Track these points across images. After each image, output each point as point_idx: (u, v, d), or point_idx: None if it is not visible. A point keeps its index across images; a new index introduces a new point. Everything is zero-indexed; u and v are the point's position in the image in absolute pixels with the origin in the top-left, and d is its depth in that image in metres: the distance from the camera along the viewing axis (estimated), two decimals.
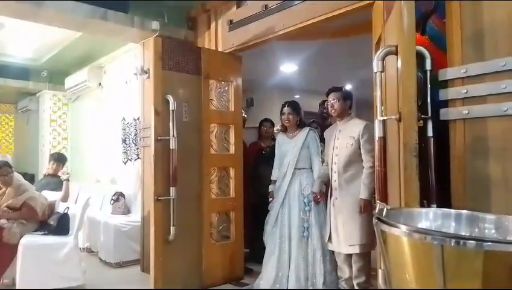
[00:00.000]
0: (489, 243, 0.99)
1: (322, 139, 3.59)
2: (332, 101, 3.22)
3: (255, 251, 4.20)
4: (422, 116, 1.97)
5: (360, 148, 3.06)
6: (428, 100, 2.00)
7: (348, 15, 2.90)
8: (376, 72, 1.88)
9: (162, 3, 4.09)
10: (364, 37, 3.06)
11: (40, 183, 4.93)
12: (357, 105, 7.50)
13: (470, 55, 1.96)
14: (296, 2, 3.19)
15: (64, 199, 4.60)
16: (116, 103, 5.85)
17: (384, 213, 1.33)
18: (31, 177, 6.78)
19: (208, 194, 3.69)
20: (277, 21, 3.35)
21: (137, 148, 5.14)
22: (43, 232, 3.77)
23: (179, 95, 3.46)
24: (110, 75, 6.09)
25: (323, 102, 4.43)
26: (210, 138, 3.74)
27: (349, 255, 3.10)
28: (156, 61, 3.38)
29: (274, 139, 4.29)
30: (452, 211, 1.50)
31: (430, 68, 2.01)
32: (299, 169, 3.58)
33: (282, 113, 3.71)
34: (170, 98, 3.34)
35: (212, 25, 4.10)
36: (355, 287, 3.08)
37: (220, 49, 3.97)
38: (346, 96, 3.25)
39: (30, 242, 3.54)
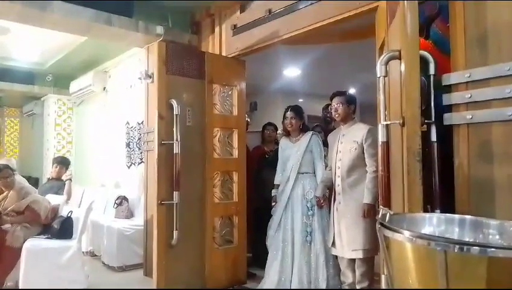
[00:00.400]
0: (493, 249, 0.98)
1: (326, 144, 3.58)
2: (336, 106, 3.22)
3: (258, 255, 4.19)
4: (426, 121, 1.96)
5: (363, 152, 3.05)
6: (432, 105, 1.99)
7: (351, 19, 2.90)
8: (379, 77, 1.88)
9: (166, 7, 4.11)
10: (368, 41, 3.06)
11: (43, 187, 4.95)
12: (360, 109, 7.49)
13: (474, 60, 1.95)
14: (300, 7, 3.19)
15: (67, 197, 4.65)
16: (120, 107, 5.87)
17: (387, 218, 1.33)
18: (35, 181, 6.83)
19: (211, 199, 3.69)
20: (281, 25, 3.36)
21: (141, 152, 5.15)
22: (46, 236, 3.78)
23: (182, 100, 3.47)
24: (115, 79, 6.12)
25: (327, 106, 4.44)
26: (213, 142, 3.74)
27: (353, 260, 3.09)
28: (160, 66, 3.40)
29: (277, 143, 4.29)
30: (456, 216, 1.49)
31: (433, 73, 2.00)
32: (302, 173, 3.57)
33: (285, 118, 3.71)
34: (174, 103, 3.35)
35: (216, 30, 4.12)
36: None
37: (223, 54, 3.98)
38: (350, 101, 3.24)
39: (33, 246, 3.54)
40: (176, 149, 3.32)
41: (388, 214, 1.35)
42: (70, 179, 4.96)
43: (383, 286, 1.84)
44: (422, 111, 1.82)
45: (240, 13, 3.85)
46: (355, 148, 3.07)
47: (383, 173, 1.91)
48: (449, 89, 2.02)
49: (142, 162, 5.08)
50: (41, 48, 5.78)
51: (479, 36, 1.94)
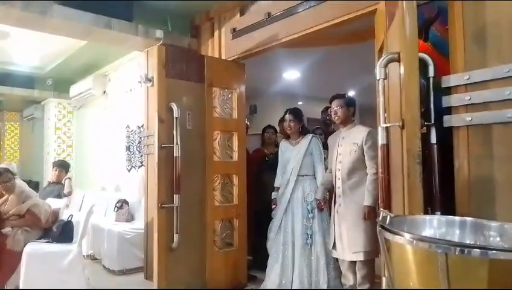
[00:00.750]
0: (494, 252, 0.98)
1: (326, 146, 3.59)
2: (335, 108, 3.22)
3: (258, 258, 4.18)
4: (426, 123, 1.97)
5: (363, 154, 3.05)
6: (432, 107, 2.00)
7: (350, 22, 2.91)
8: (379, 79, 1.88)
9: (166, 11, 4.12)
10: (367, 43, 3.07)
11: (44, 191, 4.96)
12: (360, 111, 7.51)
13: (473, 62, 1.96)
14: (299, 10, 3.20)
15: (69, 193, 4.68)
16: (120, 111, 5.88)
17: (387, 221, 1.33)
18: (35, 185, 6.83)
19: (211, 202, 3.69)
20: (280, 29, 3.37)
21: (141, 156, 5.15)
22: (47, 240, 3.77)
23: (182, 103, 3.47)
24: (115, 83, 6.13)
25: (326, 109, 4.44)
26: (213, 145, 3.75)
27: (353, 263, 3.08)
28: (160, 70, 3.40)
29: (277, 146, 4.29)
30: (456, 218, 1.49)
31: (433, 75, 2.01)
32: (302, 176, 3.58)
33: (283, 121, 3.72)
34: (174, 106, 3.36)
35: (216, 33, 4.12)
36: None
37: (223, 57, 3.99)
38: (349, 103, 3.25)
39: (34, 250, 3.54)
40: (176, 152, 3.32)
41: (388, 216, 1.35)
42: (70, 178, 4.99)
43: (384, 288, 1.84)
44: (422, 113, 1.83)
45: (240, 17, 3.86)
46: (355, 151, 3.07)
47: (383, 175, 1.91)
48: (448, 91, 2.02)
49: (142, 165, 5.08)
50: (41, 52, 5.79)
51: (478, 38, 1.94)
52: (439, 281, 1.03)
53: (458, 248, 1.01)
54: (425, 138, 1.92)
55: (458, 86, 1.98)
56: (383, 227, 1.24)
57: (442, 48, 2.19)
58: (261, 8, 3.61)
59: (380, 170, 1.95)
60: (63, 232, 3.77)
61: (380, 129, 1.91)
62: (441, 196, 1.96)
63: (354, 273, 3.10)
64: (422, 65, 1.95)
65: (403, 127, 1.77)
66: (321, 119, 4.93)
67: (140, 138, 5.14)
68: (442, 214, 1.88)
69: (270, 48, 3.56)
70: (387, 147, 1.90)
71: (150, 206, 4.17)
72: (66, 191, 4.88)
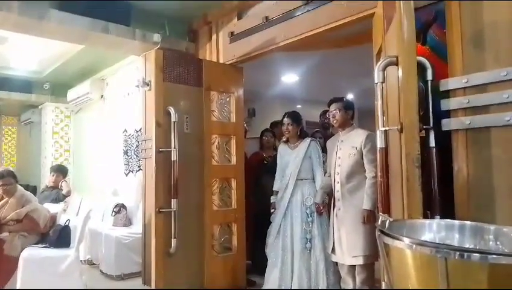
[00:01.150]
0: (494, 256, 0.97)
1: (325, 150, 3.58)
2: (334, 112, 3.22)
3: (257, 262, 4.17)
4: (424, 126, 1.96)
5: (362, 158, 3.04)
6: (430, 110, 1.99)
7: (348, 26, 2.91)
8: (377, 83, 1.88)
9: (163, 15, 4.12)
10: (365, 46, 3.06)
11: (41, 196, 4.94)
12: (359, 114, 7.52)
13: (471, 65, 1.96)
14: (297, 14, 3.20)
15: (68, 193, 4.67)
16: (117, 115, 5.86)
17: (387, 225, 1.32)
18: (33, 189, 6.78)
19: (210, 206, 3.67)
20: (278, 32, 3.37)
21: (139, 160, 5.14)
22: (44, 245, 3.75)
23: (180, 107, 3.47)
24: (112, 87, 6.12)
25: (324, 112, 4.43)
26: (211, 149, 3.74)
27: (353, 267, 3.07)
28: (157, 74, 3.39)
29: (275, 149, 4.28)
30: (456, 222, 1.48)
31: (431, 78, 2.01)
32: (301, 180, 3.57)
33: (282, 124, 3.71)
34: (171, 110, 3.35)
35: (213, 37, 4.12)
36: None
37: (221, 61, 3.99)
38: (348, 107, 3.25)
39: (31, 255, 3.52)
40: (174, 156, 3.31)
41: (388, 221, 1.34)
42: (66, 181, 4.98)
43: None
44: (421, 117, 1.82)
45: (237, 20, 3.86)
46: (354, 154, 3.06)
47: (382, 179, 1.91)
48: (447, 94, 2.02)
49: (140, 169, 5.07)
50: (38, 57, 5.78)
51: (475, 41, 1.94)
52: (439, 285, 1.02)
53: (458, 253, 1.00)
54: (424, 141, 1.91)
55: (456, 89, 1.98)
56: (382, 231, 1.23)
57: (440, 51, 2.19)
58: (258, 12, 3.62)
59: (379, 174, 1.94)
60: (60, 237, 3.75)
61: (378, 133, 1.90)
62: (440, 200, 1.95)
63: (354, 277, 3.08)
64: (421, 68, 1.95)
65: (401, 131, 1.77)
66: (319, 122, 4.92)
67: (138, 142, 5.12)
68: (441, 217, 1.88)
69: (268, 51, 3.56)
70: (386, 150, 1.89)
71: (147, 210, 4.15)
72: (64, 191, 4.85)
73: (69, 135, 7.38)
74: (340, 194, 3.11)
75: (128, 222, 4.88)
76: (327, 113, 3.70)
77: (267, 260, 3.62)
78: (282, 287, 3.43)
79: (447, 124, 2.01)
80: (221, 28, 4.03)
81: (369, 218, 2.92)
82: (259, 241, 3.87)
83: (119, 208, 4.94)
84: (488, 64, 1.89)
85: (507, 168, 1.81)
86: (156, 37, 3.99)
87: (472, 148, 1.93)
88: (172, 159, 3.31)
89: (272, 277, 3.50)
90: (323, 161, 3.58)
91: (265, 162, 4.48)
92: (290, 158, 3.64)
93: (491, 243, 1.34)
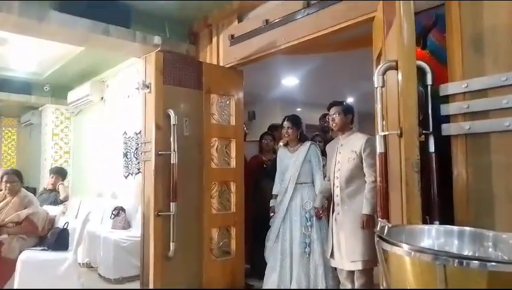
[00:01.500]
0: (493, 264, 0.96)
1: (324, 153, 3.57)
2: (333, 115, 3.21)
3: (256, 266, 4.15)
4: (424, 131, 1.96)
5: (362, 162, 3.03)
6: (430, 115, 1.99)
7: (348, 30, 2.91)
8: (377, 87, 1.87)
9: (164, 18, 4.12)
10: (366, 50, 3.06)
11: (40, 198, 4.93)
12: (359, 118, 7.53)
13: (471, 70, 1.95)
14: (297, 17, 3.20)
15: (65, 199, 4.66)
16: (117, 117, 5.86)
17: (385, 231, 1.31)
18: (32, 191, 6.73)
19: (209, 209, 3.66)
20: (278, 35, 3.37)
21: (139, 163, 5.13)
22: (42, 248, 3.74)
23: (180, 110, 3.46)
24: (112, 89, 6.12)
25: (324, 115, 4.44)
26: (211, 152, 3.73)
27: (352, 272, 3.05)
28: (158, 76, 3.39)
29: (275, 153, 4.28)
30: (455, 228, 1.47)
31: (431, 83, 2.00)
32: (301, 184, 3.56)
33: (282, 128, 3.70)
34: (171, 113, 3.34)
35: (214, 40, 4.12)
36: None
37: (221, 64, 3.99)
38: (347, 110, 3.24)
39: (29, 258, 3.51)
40: (173, 159, 3.30)
41: (386, 226, 1.33)
42: (62, 183, 4.97)
43: None
44: (420, 121, 1.82)
45: (238, 23, 3.86)
46: (354, 158, 3.05)
47: (381, 184, 1.90)
48: (447, 99, 2.01)
49: (139, 172, 5.06)
50: (38, 58, 5.78)
51: (475, 46, 1.94)
52: None
53: (456, 260, 1.00)
54: (423, 146, 1.91)
55: (456, 94, 1.98)
56: (381, 237, 1.22)
57: (440, 56, 2.18)
58: (259, 14, 3.62)
59: (378, 179, 1.93)
60: (58, 239, 3.74)
61: (378, 137, 1.89)
62: (439, 205, 1.94)
63: (353, 282, 3.07)
64: (420, 73, 1.94)
65: (401, 136, 1.76)
66: (319, 126, 4.92)
67: (138, 144, 5.12)
68: (440, 222, 1.87)
69: (268, 54, 3.55)
70: (385, 155, 1.88)
71: (146, 213, 4.14)
72: (62, 196, 4.84)
73: (69, 136, 7.38)
74: (340, 199, 3.10)
75: (127, 225, 4.87)
76: (327, 117, 3.70)
77: (266, 264, 3.60)
78: None
79: (447, 129, 2.00)
80: (222, 30, 4.03)
81: (369, 223, 2.90)
82: (258, 245, 3.86)
83: (118, 210, 4.93)
84: (488, 69, 1.89)
85: (507, 174, 1.80)
86: (157, 39, 3.99)
87: (472, 154, 1.92)
88: (171, 162, 3.30)
89: (270, 281, 3.48)
90: (323, 165, 3.57)
91: (264, 165, 4.47)
92: (290, 162, 3.63)
93: (490, 249, 1.34)
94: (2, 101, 7.11)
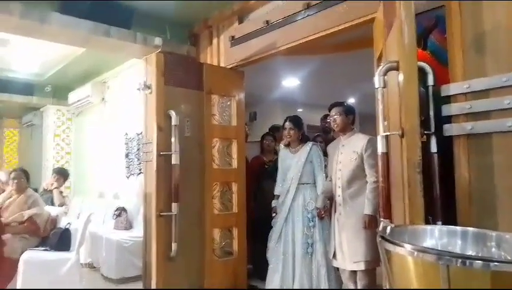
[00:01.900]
0: (496, 264, 0.97)
1: (326, 154, 3.57)
2: (334, 116, 3.22)
3: (258, 267, 4.15)
4: (426, 131, 1.96)
5: (363, 163, 3.04)
6: (432, 116, 1.99)
7: (349, 31, 2.91)
8: (378, 88, 1.88)
9: (164, 19, 4.13)
10: (367, 50, 3.06)
11: (42, 198, 4.93)
12: (360, 119, 7.52)
13: (472, 70, 1.95)
14: (298, 18, 3.20)
15: (60, 205, 4.66)
16: (119, 118, 5.87)
17: (388, 231, 1.31)
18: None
19: (210, 210, 3.66)
20: (279, 37, 3.37)
21: (140, 163, 5.14)
22: (44, 248, 3.75)
23: (181, 110, 3.46)
24: (113, 90, 6.13)
25: (325, 116, 4.44)
26: (212, 152, 3.73)
27: (354, 272, 3.06)
28: (159, 77, 3.40)
29: (276, 153, 4.28)
30: (458, 228, 1.47)
31: (432, 83, 2.01)
32: (303, 184, 3.56)
33: (283, 129, 3.71)
34: (172, 114, 3.34)
35: (214, 41, 4.13)
36: None
37: (222, 65, 3.99)
38: (348, 111, 3.24)
39: (31, 258, 3.52)
40: (175, 160, 3.31)
41: (389, 227, 1.33)
42: (57, 187, 4.96)
43: None
44: (422, 122, 1.82)
45: (238, 24, 3.86)
46: (355, 159, 3.06)
47: (383, 184, 1.90)
48: (448, 99, 2.02)
49: (141, 172, 5.06)
50: (40, 59, 5.79)
51: (476, 46, 1.94)
52: None
53: (460, 260, 1.00)
54: (425, 146, 1.91)
55: (458, 94, 1.98)
56: (383, 238, 1.22)
57: (441, 57, 2.18)
58: (259, 16, 3.62)
59: (380, 179, 1.94)
60: (60, 240, 3.75)
61: (379, 138, 1.90)
62: (441, 205, 1.95)
63: (355, 283, 3.07)
64: (422, 74, 1.95)
65: (402, 136, 1.76)
66: (320, 126, 4.93)
67: (139, 145, 5.12)
68: (443, 223, 1.87)
69: (269, 55, 3.55)
70: (387, 156, 1.89)
71: (148, 214, 4.14)
72: (56, 203, 4.80)
73: (70, 137, 7.39)
74: (341, 199, 3.10)
75: (129, 225, 4.88)
76: (328, 118, 3.70)
77: (268, 264, 3.61)
78: None
79: (449, 129, 2.00)
80: (222, 32, 4.04)
81: (371, 223, 2.91)
82: (260, 246, 3.86)
83: (120, 211, 4.94)
84: (489, 70, 1.89)
85: (509, 174, 1.81)
86: (157, 40, 3.99)
87: (474, 154, 1.92)
88: (173, 163, 3.30)
89: (273, 282, 3.49)
90: (325, 165, 3.58)
91: (266, 166, 4.47)
92: (292, 162, 3.64)
93: (493, 249, 1.34)
94: (4, 102, 7.12)
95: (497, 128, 1.82)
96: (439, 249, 1.33)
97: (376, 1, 2.43)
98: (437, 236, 1.43)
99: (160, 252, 3.27)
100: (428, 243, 1.39)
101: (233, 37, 3.85)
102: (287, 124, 3.66)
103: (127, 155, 5.57)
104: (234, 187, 3.84)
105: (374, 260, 2.93)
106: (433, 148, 1.97)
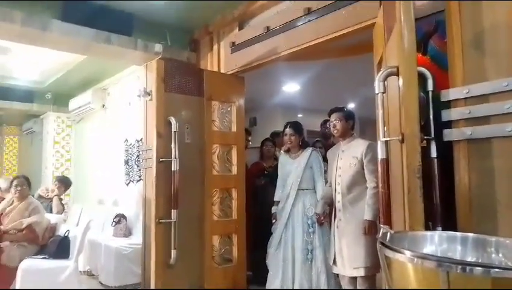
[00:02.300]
0: (497, 270, 0.96)
1: (326, 159, 3.57)
2: (334, 122, 3.21)
3: (258, 273, 4.12)
4: (426, 137, 1.95)
5: (363, 168, 3.03)
6: (431, 121, 1.98)
7: (349, 36, 2.92)
8: (378, 93, 1.87)
9: (165, 26, 4.14)
10: (366, 56, 3.07)
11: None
12: (361, 124, 7.52)
13: (472, 75, 1.95)
14: (298, 24, 3.21)
15: (58, 213, 4.65)
16: (119, 125, 5.87)
17: (388, 237, 1.30)
18: None
19: (210, 216, 3.65)
20: (279, 42, 3.38)
21: (140, 170, 5.13)
22: (43, 256, 3.74)
23: (181, 117, 3.47)
24: (114, 97, 6.14)
25: (325, 122, 4.44)
26: (212, 158, 3.72)
27: (354, 278, 3.04)
28: (159, 84, 3.40)
29: (276, 159, 4.27)
30: (458, 234, 1.46)
31: (432, 89, 2.00)
32: (303, 190, 3.55)
33: (284, 134, 3.70)
34: (172, 120, 3.35)
35: (215, 47, 4.14)
36: None
37: (222, 71, 4.00)
38: (348, 117, 3.24)
39: (30, 266, 3.50)
40: (175, 166, 3.30)
41: (389, 233, 1.32)
42: (57, 195, 4.96)
43: None
44: (422, 127, 1.81)
45: (238, 31, 3.88)
46: (355, 164, 3.05)
47: (383, 190, 1.89)
48: (448, 105, 2.01)
49: (140, 179, 5.05)
50: (40, 67, 5.81)
51: (476, 51, 1.94)
52: None
53: (460, 266, 0.99)
54: (425, 152, 1.90)
55: (458, 99, 1.97)
56: (383, 244, 1.21)
57: (441, 62, 2.18)
58: (259, 22, 3.63)
59: (380, 185, 1.93)
60: (59, 248, 3.74)
61: (379, 143, 1.89)
62: (441, 211, 1.93)
63: (355, 289, 3.05)
64: (422, 79, 1.94)
65: (402, 142, 1.75)
66: (320, 132, 4.92)
67: (139, 151, 5.12)
68: (443, 229, 1.86)
69: (269, 61, 3.56)
70: (387, 161, 1.88)
71: (147, 221, 4.13)
72: (54, 210, 4.80)
73: (70, 144, 7.39)
74: (341, 205, 3.09)
75: (128, 233, 4.86)
76: (327, 123, 3.70)
77: (268, 271, 3.58)
78: None
79: (449, 134, 2.00)
80: (223, 38, 4.05)
81: (370, 229, 2.90)
82: (260, 252, 3.84)
83: (119, 218, 4.92)
84: (489, 74, 1.88)
85: (509, 179, 1.79)
86: (158, 47, 4.01)
87: (474, 159, 1.91)
88: (172, 169, 3.30)
89: (273, 288, 3.46)
90: (325, 171, 3.57)
91: (265, 172, 4.46)
92: (292, 168, 3.63)
93: (493, 255, 1.32)
94: (4, 110, 7.14)
95: (497, 133, 1.81)
96: (439, 255, 1.32)
97: (376, 6, 2.44)
98: (437, 242, 1.42)
99: (160, 260, 3.26)
100: (428, 249, 1.38)
101: (233, 43, 3.86)
102: (288, 130, 3.66)
103: (126, 162, 5.56)
104: (234, 193, 3.83)
105: (374, 266, 2.91)
106: (433, 153, 1.96)
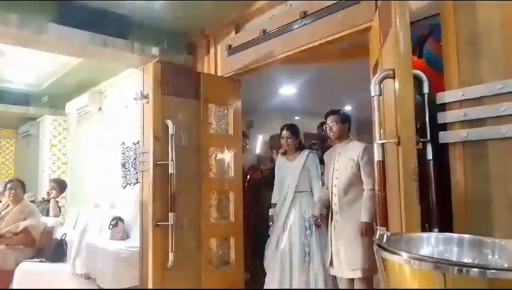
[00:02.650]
0: (493, 271, 0.97)
1: (322, 161, 3.58)
2: (330, 124, 3.23)
3: (255, 276, 4.12)
4: (421, 139, 1.96)
5: (360, 170, 3.04)
6: (427, 123, 2.00)
7: (345, 39, 2.93)
8: (374, 96, 1.89)
9: (162, 29, 4.15)
10: (363, 58, 3.08)
11: (39, 209, 4.91)
12: (357, 126, 7.53)
13: (467, 78, 1.96)
14: (294, 27, 3.22)
15: (55, 216, 4.63)
16: (115, 127, 5.86)
17: (384, 239, 1.31)
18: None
19: (207, 219, 3.64)
20: (275, 46, 3.39)
21: (137, 173, 5.12)
22: (39, 259, 3.72)
23: (178, 120, 3.47)
24: (110, 99, 6.13)
25: (322, 124, 4.45)
26: (209, 161, 3.72)
27: (352, 280, 3.05)
28: (156, 87, 3.40)
29: (273, 161, 4.28)
30: (454, 235, 1.47)
31: (427, 91, 2.01)
32: (300, 192, 3.56)
33: (281, 137, 3.71)
34: (169, 123, 3.35)
35: (211, 50, 4.15)
36: None
37: (219, 74, 4.00)
38: (345, 119, 3.25)
39: (26, 270, 3.50)
40: (172, 169, 3.30)
41: (385, 235, 1.33)
42: (54, 197, 4.94)
43: None
44: (418, 129, 1.83)
45: (235, 34, 3.89)
46: (352, 167, 3.06)
47: (379, 192, 1.90)
48: (443, 107, 2.02)
49: (137, 182, 5.04)
50: (37, 70, 5.79)
51: (471, 53, 1.96)
52: None
53: (456, 267, 1.00)
54: (421, 154, 1.91)
55: (453, 102, 1.99)
56: (380, 246, 1.22)
57: (436, 64, 2.20)
58: (256, 25, 3.65)
59: (376, 187, 1.94)
60: (56, 251, 3.73)
61: (375, 146, 1.90)
62: (438, 212, 1.94)
63: None
64: (417, 82, 1.96)
65: (398, 144, 1.76)
66: (317, 134, 4.93)
67: (136, 154, 5.11)
68: (439, 230, 1.87)
69: (266, 64, 3.57)
70: (383, 163, 1.89)
71: (145, 224, 4.11)
72: (51, 213, 4.78)
73: (66, 147, 7.36)
74: (338, 207, 3.10)
75: (125, 235, 4.84)
76: (324, 126, 3.71)
77: (265, 273, 3.59)
78: None
79: (444, 136, 2.01)
80: (219, 41, 4.06)
81: (367, 230, 2.91)
82: (257, 255, 3.84)
83: (117, 221, 4.90)
84: (484, 77, 1.90)
85: (504, 181, 1.81)
86: (155, 50, 4.01)
87: (469, 161, 1.93)
88: (169, 172, 3.30)
89: None
90: (322, 173, 3.58)
91: (262, 174, 4.47)
92: (288, 170, 3.64)
93: (489, 256, 1.34)
94: (0, 113, 7.11)
95: (492, 135, 1.83)
96: (435, 257, 1.33)
97: (372, 9, 2.46)
98: (433, 244, 1.43)
99: (157, 262, 3.25)
100: (425, 250, 1.39)
101: (230, 46, 3.87)
102: (285, 133, 3.67)
103: (123, 165, 5.55)
104: (231, 196, 3.83)
105: (371, 268, 2.92)
106: (429, 155, 1.98)
